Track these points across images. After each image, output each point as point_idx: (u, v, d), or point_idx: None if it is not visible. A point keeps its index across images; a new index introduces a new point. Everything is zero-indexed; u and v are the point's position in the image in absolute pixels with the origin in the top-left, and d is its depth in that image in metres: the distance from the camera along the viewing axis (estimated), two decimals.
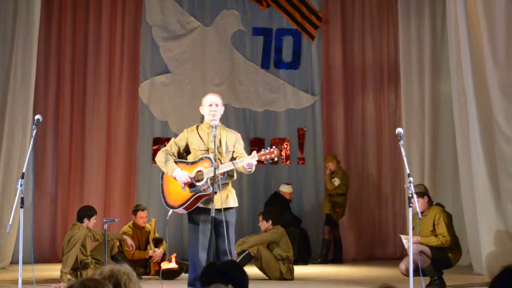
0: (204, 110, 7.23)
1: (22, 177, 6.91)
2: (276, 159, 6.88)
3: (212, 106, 7.15)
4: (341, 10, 13.61)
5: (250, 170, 6.83)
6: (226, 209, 6.95)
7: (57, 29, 12.72)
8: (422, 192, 8.79)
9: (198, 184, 6.91)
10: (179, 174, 6.94)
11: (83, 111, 12.69)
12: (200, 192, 6.89)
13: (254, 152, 6.86)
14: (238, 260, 9.54)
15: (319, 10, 13.62)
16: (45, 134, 12.51)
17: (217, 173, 6.70)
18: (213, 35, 13.38)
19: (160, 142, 12.95)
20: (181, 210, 7.09)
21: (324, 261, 12.37)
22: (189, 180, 6.91)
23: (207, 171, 6.85)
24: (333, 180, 12.41)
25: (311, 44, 13.67)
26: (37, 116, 7.35)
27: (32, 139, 7.19)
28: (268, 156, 6.79)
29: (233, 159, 7.02)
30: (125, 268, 3.32)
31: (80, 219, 9.59)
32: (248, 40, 13.60)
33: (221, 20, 13.44)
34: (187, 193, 6.95)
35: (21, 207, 6.82)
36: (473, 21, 10.19)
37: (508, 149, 9.88)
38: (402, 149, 7.11)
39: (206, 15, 13.45)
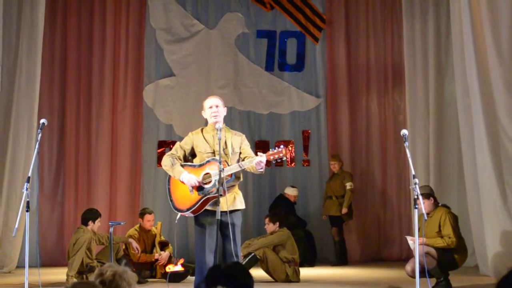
0: (206, 113, 7.24)
1: (28, 181, 6.91)
2: (284, 158, 6.87)
3: (212, 108, 7.16)
4: (345, 11, 13.61)
5: (261, 170, 6.83)
6: (232, 211, 6.95)
7: (61, 33, 12.75)
8: (428, 194, 8.78)
9: (206, 186, 6.91)
10: (187, 178, 6.93)
11: (88, 114, 12.71)
12: (208, 194, 6.89)
13: (260, 153, 6.87)
14: (244, 263, 9.53)
15: (323, 12, 13.62)
16: (50, 138, 12.55)
17: (223, 175, 6.70)
18: (217, 38, 13.40)
19: (165, 145, 12.97)
20: (188, 214, 7.08)
21: (342, 262, 12.34)
22: (197, 183, 6.91)
23: (215, 174, 6.85)
24: (346, 184, 12.39)
25: (315, 46, 13.66)
26: (42, 120, 7.36)
27: (37, 143, 7.20)
28: (276, 156, 6.79)
29: (240, 160, 7.02)
30: (127, 274, 3.31)
31: (84, 222, 9.62)
32: (252, 42, 13.61)
33: (225, 23, 13.45)
34: (195, 196, 6.94)
35: (27, 211, 6.83)
36: (477, 21, 10.18)
37: None
38: (407, 151, 7.10)
39: (210, 18, 13.46)
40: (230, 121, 12.71)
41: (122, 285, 3.26)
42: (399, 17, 13.02)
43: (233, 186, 7.03)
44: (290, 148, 13.45)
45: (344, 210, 12.31)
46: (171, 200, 7.17)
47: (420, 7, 12.19)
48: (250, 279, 3.61)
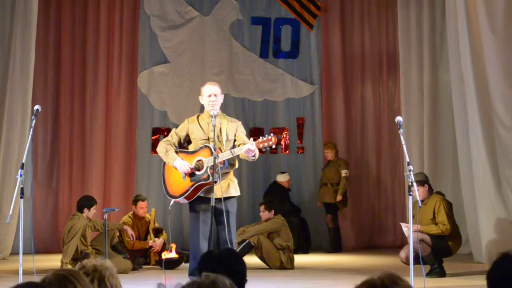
0: (203, 100, 7.26)
1: (22, 168, 6.90)
2: (274, 146, 6.90)
3: (211, 96, 7.19)
4: None
5: (253, 158, 6.86)
6: (226, 198, 6.96)
7: (55, 20, 12.69)
8: (423, 181, 8.79)
9: (198, 173, 6.93)
10: (179, 164, 6.97)
11: (83, 101, 12.68)
12: (200, 181, 6.90)
13: (251, 139, 6.90)
14: (238, 250, 9.55)
15: None
16: (44, 125, 12.52)
17: (216, 162, 6.72)
18: (212, 25, 13.35)
19: (159, 132, 12.95)
20: (182, 200, 7.11)
21: (336, 250, 12.35)
22: (189, 169, 6.94)
23: (207, 160, 6.87)
24: (341, 172, 12.38)
25: (309, 33, 13.63)
26: (36, 107, 7.34)
27: (31, 130, 7.19)
28: (266, 144, 6.81)
29: (234, 147, 7.04)
30: (108, 263, 3.31)
31: (80, 209, 9.61)
32: (247, 29, 13.57)
33: (220, 10, 13.40)
34: (187, 182, 6.97)
35: (21, 198, 6.82)
36: (472, 9, 10.18)
37: (507, 137, 9.89)
38: (402, 138, 7.10)
39: (205, 5, 13.42)
40: (225, 108, 12.64)
41: (106, 274, 3.25)
42: (394, 5, 12.99)
43: (227, 173, 7.05)
44: (284, 135, 13.45)
45: (339, 198, 12.32)
46: (165, 187, 7.21)
47: None
48: (242, 265, 3.61)
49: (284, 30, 13.65)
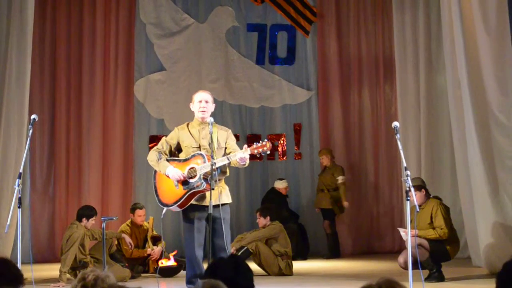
0: (194, 106, 7.31)
1: (19, 177, 6.90)
2: (268, 152, 6.94)
3: (202, 102, 7.24)
4: (336, 4, 13.60)
5: (244, 164, 6.89)
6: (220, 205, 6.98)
7: (51, 29, 12.70)
8: (420, 185, 8.80)
9: (191, 181, 6.93)
10: (172, 172, 6.98)
11: (79, 110, 12.68)
12: (194, 189, 6.91)
13: (245, 145, 6.92)
14: None
15: (314, 5, 13.60)
16: (41, 134, 12.51)
17: (211, 168, 6.74)
18: (208, 32, 13.37)
19: (156, 140, 12.89)
20: (175, 208, 7.11)
21: (334, 255, 12.34)
22: (182, 177, 6.94)
23: (200, 168, 6.89)
24: (337, 178, 12.39)
25: (305, 39, 13.66)
26: (33, 116, 7.34)
27: (28, 139, 7.19)
28: (260, 150, 6.85)
29: (226, 155, 7.07)
30: (109, 278, 3.29)
31: (79, 218, 9.57)
32: (243, 36, 13.59)
33: (215, 17, 13.43)
34: (180, 190, 6.98)
35: (19, 207, 6.82)
36: (467, 13, 10.18)
37: (504, 141, 9.88)
38: (399, 143, 7.11)
39: (200, 12, 13.44)
40: (222, 115, 12.72)
41: None
42: (389, 10, 12.98)
43: (219, 180, 7.06)
44: (281, 142, 13.45)
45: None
46: (157, 195, 7.21)
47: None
48: (249, 271, 3.61)
49: (280, 37, 13.68)
